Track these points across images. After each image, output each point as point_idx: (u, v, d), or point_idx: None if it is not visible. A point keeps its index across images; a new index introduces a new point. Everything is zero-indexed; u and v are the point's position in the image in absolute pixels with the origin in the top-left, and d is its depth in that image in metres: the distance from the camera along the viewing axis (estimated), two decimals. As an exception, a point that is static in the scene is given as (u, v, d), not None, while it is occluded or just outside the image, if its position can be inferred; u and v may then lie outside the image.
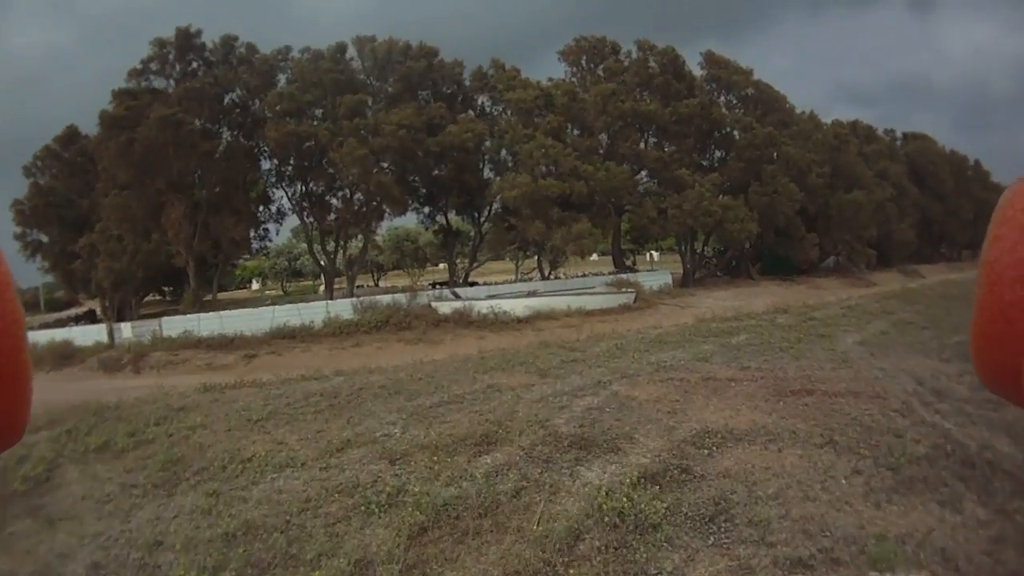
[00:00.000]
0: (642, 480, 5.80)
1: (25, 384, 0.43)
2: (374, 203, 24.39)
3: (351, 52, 26.57)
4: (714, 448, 6.61)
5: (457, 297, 22.26)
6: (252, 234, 29.31)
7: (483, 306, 21.30)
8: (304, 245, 27.90)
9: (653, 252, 53.71)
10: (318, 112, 25.18)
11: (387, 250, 45.18)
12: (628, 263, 31.41)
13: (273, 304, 21.20)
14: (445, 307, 21.47)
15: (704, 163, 30.46)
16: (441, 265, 29.01)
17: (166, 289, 37.78)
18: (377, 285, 50.74)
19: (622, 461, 6.40)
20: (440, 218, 28.73)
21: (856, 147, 36.49)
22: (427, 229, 29.87)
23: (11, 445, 0.46)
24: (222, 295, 46.39)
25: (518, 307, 21.60)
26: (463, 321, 20.87)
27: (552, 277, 27.88)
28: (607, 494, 5.46)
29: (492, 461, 6.61)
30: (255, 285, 56.66)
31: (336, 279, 27.46)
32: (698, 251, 33.41)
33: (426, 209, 28.12)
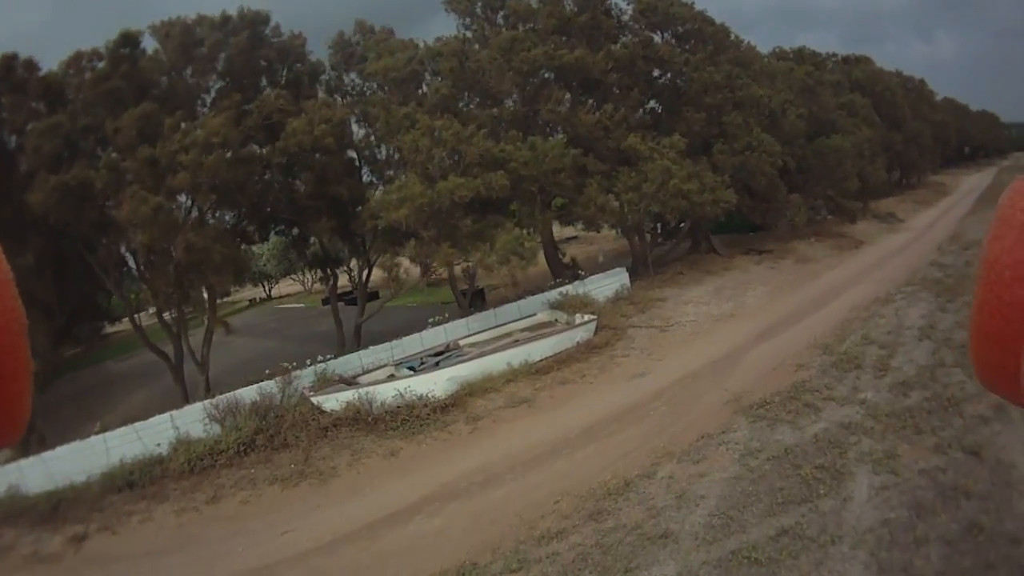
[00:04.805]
0: None
1: (26, 381, 0.46)
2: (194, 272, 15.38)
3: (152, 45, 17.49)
4: None
5: (349, 383, 14.47)
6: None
7: (387, 392, 13.82)
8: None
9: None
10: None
11: (274, 259, 37.06)
12: (567, 262, 23.90)
13: (103, 431, 12.90)
14: (331, 401, 13.83)
15: (649, 121, 23.16)
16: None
17: None
18: (270, 297, 43.20)
19: None
20: (314, 241, 20.30)
21: (830, 85, 30.41)
22: (298, 257, 21.50)
23: (13, 441, 0.47)
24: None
25: (438, 383, 14.20)
26: (362, 421, 13.45)
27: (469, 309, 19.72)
28: None
29: None
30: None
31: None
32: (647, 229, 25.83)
33: (294, 230, 19.58)
